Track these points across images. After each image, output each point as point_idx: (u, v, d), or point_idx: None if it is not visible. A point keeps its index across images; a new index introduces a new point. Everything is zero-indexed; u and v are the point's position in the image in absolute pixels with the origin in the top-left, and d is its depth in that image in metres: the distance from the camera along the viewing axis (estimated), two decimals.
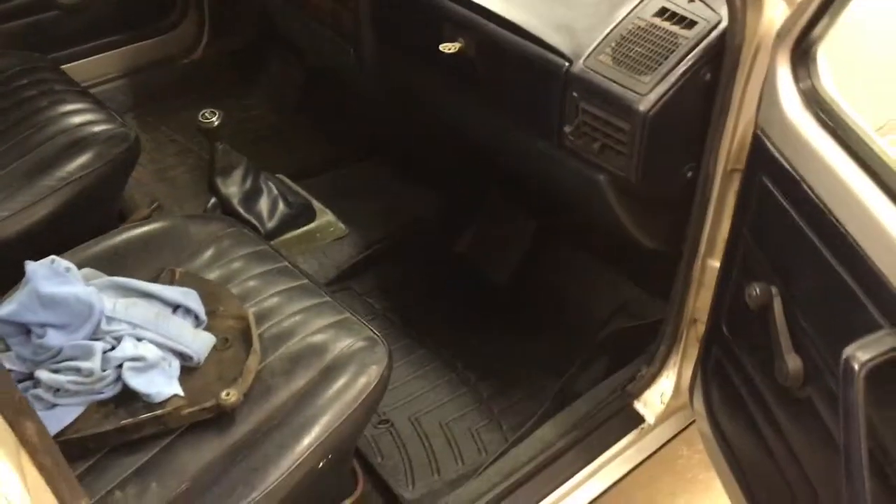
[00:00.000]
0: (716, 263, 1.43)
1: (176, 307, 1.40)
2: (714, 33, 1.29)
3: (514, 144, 1.60)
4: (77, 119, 1.84)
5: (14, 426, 0.73)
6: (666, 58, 1.30)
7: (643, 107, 1.29)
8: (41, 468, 0.77)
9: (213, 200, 1.97)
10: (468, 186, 2.16)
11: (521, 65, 1.44)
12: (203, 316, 1.41)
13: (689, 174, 1.40)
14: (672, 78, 1.29)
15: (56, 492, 0.80)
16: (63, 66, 2.22)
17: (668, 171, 1.40)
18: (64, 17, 2.17)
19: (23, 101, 1.88)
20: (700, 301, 1.51)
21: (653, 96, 1.29)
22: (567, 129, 1.40)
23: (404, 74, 1.76)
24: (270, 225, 1.94)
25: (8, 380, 0.72)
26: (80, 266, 1.42)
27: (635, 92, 1.30)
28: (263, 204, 1.94)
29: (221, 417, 1.29)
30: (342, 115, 2.35)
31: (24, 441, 0.75)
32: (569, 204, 1.81)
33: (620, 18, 1.37)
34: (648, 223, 1.53)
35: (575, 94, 1.36)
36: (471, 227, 2.12)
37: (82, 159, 1.75)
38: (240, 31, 2.55)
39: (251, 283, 1.51)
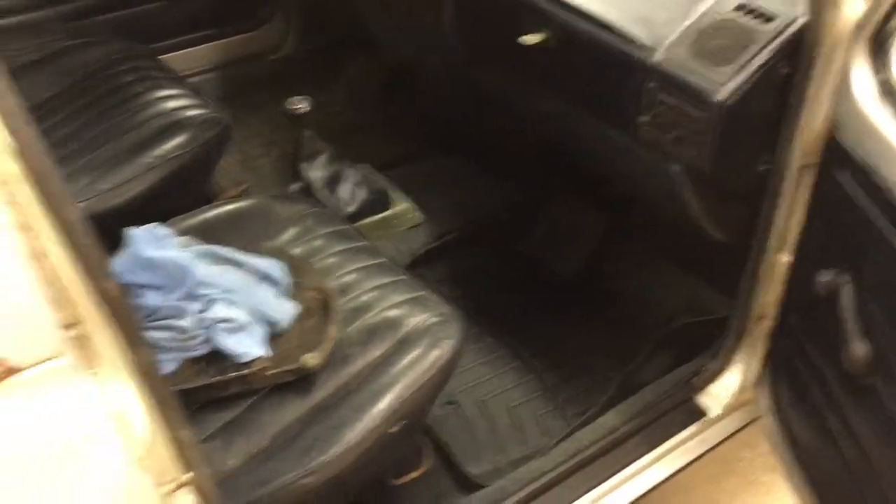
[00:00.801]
0: (785, 258, 1.45)
1: (264, 277, 1.48)
2: (792, 28, 1.32)
3: (590, 136, 1.65)
4: (173, 104, 1.94)
5: (133, 349, 0.81)
6: (744, 50, 1.33)
7: (720, 96, 1.32)
8: (155, 395, 0.85)
9: (296, 186, 2.06)
10: (540, 182, 2.21)
11: (600, 56, 1.48)
12: (288, 287, 1.49)
13: (763, 168, 1.42)
14: (749, 70, 1.32)
15: (167, 421, 0.88)
16: (160, 56, 2.37)
17: (742, 164, 1.42)
18: (163, 9, 2.29)
19: (123, 86, 2.00)
20: (768, 296, 1.52)
21: (730, 86, 1.32)
22: (643, 119, 1.44)
23: (485, 69, 1.82)
24: (350, 209, 2.02)
25: (129, 304, 0.79)
26: (176, 235, 1.51)
27: (713, 82, 1.33)
28: (345, 189, 2.02)
29: (302, 381, 1.36)
30: (422, 112, 2.42)
31: (140, 369, 0.83)
32: (640, 196, 1.84)
33: (700, 12, 1.40)
34: (720, 215, 1.55)
35: (652, 84, 1.40)
36: (541, 220, 2.17)
37: (178, 140, 1.85)
38: (325, 29, 2.64)
39: (332, 260, 1.59)
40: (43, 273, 0.73)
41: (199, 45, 2.52)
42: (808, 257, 1.36)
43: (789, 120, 1.33)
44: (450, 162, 2.36)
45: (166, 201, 1.83)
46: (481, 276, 2.11)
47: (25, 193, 0.71)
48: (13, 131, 0.69)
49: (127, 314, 0.80)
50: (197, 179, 1.97)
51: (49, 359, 0.73)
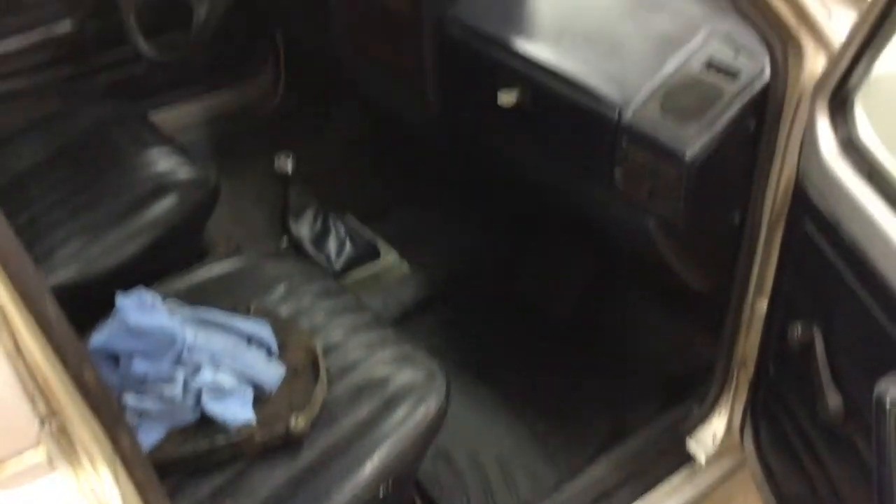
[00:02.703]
0: (763, 305, 1.48)
1: (250, 339, 1.51)
2: (757, 85, 1.36)
3: (569, 188, 1.68)
4: (163, 165, 1.97)
5: (112, 436, 0.83)
6: (711, 108, 1.37)
7: (689, 154, 1.36)
8: (135, 480, 0.87)
9: (285, 241, 2.09)
10: (528, 228, 2.24)
11: (575, 113, 1.52)
12: (275, 348, 1.51)
13: (736, 219, 1.45)
14: (717, 127, 1.36)
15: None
16: (151, 114, 2.41)
17: (716, 216, 1.46)
18: (151, 71, 2.33)
19: (114, 149, 2.03)
20: (749, 342, 1.55)
21: (699, 144, 1.36)
22: (617, 174, 1.48)
23: (466, 122, 1.86)
24: (338, 264, 2.05)
25: (108, 392, 0.82)
26: (164, 298, 1.54)
27: (682, 140, 1.37)
28: (332, 244, 2.05)
29: (290, 443, 1.38)
30: (408, 159, 2.46)
31: (120, 452, 0.85)
32: (621, 246, 1.87)
33: (669, 71, 1.45)
34: (697, 266, 1.58)
35: (625, 141, 1.44)
36: (530, 266, 2.20)
37: (168, 202, 1.88)
38: (312, 80, 2.69)
39: (319, 318, 1.61)
40: (21, 367, 0.76)
41: (190, 102, 2.57)
42: (782, 307, 1.39)
43: (759, 173, 1.37)
44: (435, 209, 2.39)
45: (157, 262, 1.85)
46: (470, 324, 2.13)
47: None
48: None
49: (107, 402, 0.82)
50: (187, 239, 2.00)
51: (28, 451, 0.75)
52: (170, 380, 1.38)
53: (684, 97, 1.40)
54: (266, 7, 2.23)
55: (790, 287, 1.35)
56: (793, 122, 1.30)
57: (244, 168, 2.57)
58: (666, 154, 1.38)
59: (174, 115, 2.54)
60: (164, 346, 1.41)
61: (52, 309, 0.79)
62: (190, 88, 2.55)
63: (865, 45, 1.11)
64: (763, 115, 1.33)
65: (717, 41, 1.45)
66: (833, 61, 1.19)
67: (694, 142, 1.36)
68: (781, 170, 1.35)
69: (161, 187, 1.92)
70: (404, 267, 2.17)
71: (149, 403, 1.36)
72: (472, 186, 2.35)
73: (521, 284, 2.18)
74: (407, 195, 2.44)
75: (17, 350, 0.75)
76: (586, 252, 2.13)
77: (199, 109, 2.60)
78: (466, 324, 2.13)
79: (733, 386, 1.63)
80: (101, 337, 1.42)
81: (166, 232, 1.86)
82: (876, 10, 1.06)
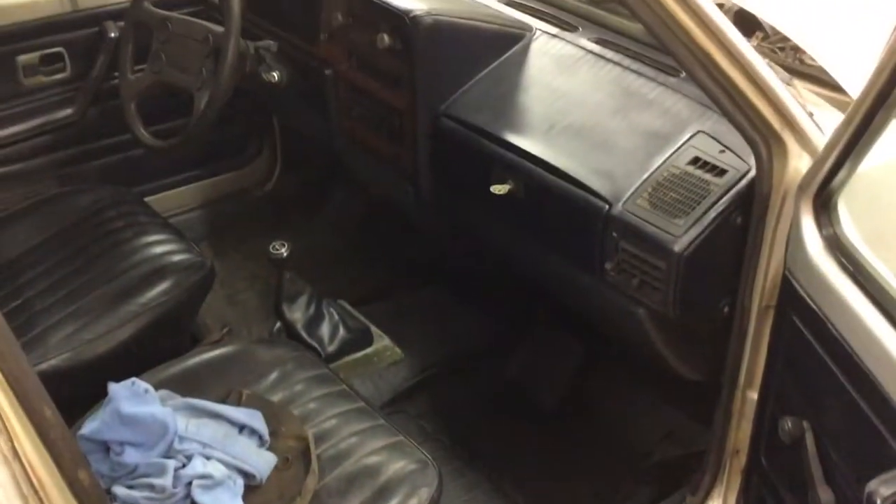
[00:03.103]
0: (755, 395, 1.49)
1: (242, 427, 1.50)
2: (743, 181, 1.40)
3: (560, 277, 1.71)
4: (158, 249, 1.99)
5: None
6: (699, 203, 1.40)
7: (678, 247, 1.38)
8: None
9: (278, 325, 2.10)
10: (519, 313, 2.26)
11: (565, 206, 1.56)
12: (266, 436, 1.51)
13: (726, 309, 1.47)
14: (705, 221, 1.39)
15: None
16: (147, 198, 2.41)
17: (705, 307, 1.48)
18: (149, 154, 2.37)
19: (111, 232, 2.05)
20: (741, 432, 1.55)
21: (686, 238, 1.39)
22: (608, 265, 1.50)
23: (459, 211, 1.89)
24: (331, 349, 2.06)
25: (102, 494, 0.82)
26: (157, 387, 1.54)
27: (670, 234, 1.40)
28: (325, 329, 2.07)
29: None
30: (401, 244, 2.49)
31: None
32: (612, 333, 1.89)
33: (657, 166, 1.49)
34: (687, 355, 1.60)
35: (615, 233, 1.47)
36: (521, 352, 2.21)
37: (162, 286, 1.89)
38: (308, 166, 2.74)
39: (312, 405, 1.61)
40: (17, 469, 0.76)
41: (185, 185, 2.60)
42: (772, 399, 1.40)
43: (747, 265, 1.39)
44: (427, 294, 2.41)
45: (150, 346, 1.86)
46: (462, 408, 2.13)
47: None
48: None
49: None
50: (181, 323, 2.00)
51: None
52: (161, 471, 1.37)
53: (672, 192, 1.44)
54: (265, 96, 2.28)
55: (780, 379, 1.37)
56: (779, 216, 1.33)
57: (238, 251, 2.60)
58: (655, 247, 1.41)
59: (170, 198, 2.57)
60: (156, 436, 1.41)
61: (49, 410, 0.79)
62: (186, 172, 2.59)
63: (849, 148, 1.14)
64: (749, 210, 1.37)
65: (703, 139, 1.49)
66: (817, 162, 1.23)
67: (682, 235, 1.39)
68: (769, 262, 1.37)
69: (156, 271, 1.93)
70: (396, 352, 2.18)
71: (138, 494, 1.35)
72: (463, 272, 2.38)
73: (511, 369, 2.19)
74: (399, 280, 2.46)
75: (14, 453, 0.75)
76: (577, 338, 2.14)
77: (194, 192, 2.63)
78: (458, 409, 2.12)
79: (726, 475, 1.62)
80: (92, 426, 1.42)
81: (160, 317, 1.86)
82: (859, 115, 1.10)
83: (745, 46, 1.22)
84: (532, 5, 1.97)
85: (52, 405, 0.80)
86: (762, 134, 1.29)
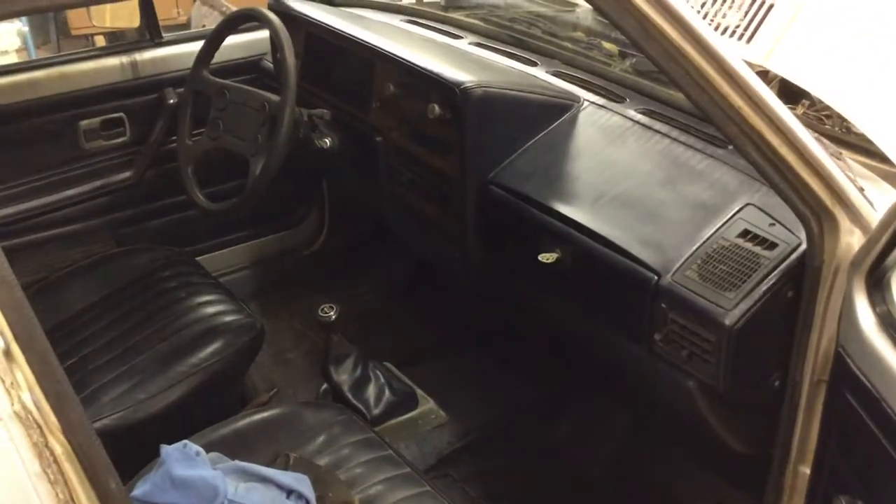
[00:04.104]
0: (807, 470, 1.46)
1: (290, 492, 1.51)
2: (794, 255, 1.40)
3: (607, 345, 1.70)
4: (210, 309, 2.03)
5: None
6: (749, 276, 1.40)
7: (728, 321, 1.38)
8: None
9: (324, 386, 2.12)
10: (562, 377, 2.25)
11: (613, 275, 1.56)
12: (314, 502, 1.51)
13: (777, 383, 1.46)
14: (756, 295, 1.39)
15: None
16: (200, 258, 2.47)
17: (756, 380, 1.46)
18: (202, 216, 2.44)
19: (165, 292, 2.10)
20: None
21: (737, 311, 1.38)
22: (657, 336, 1.50)
23: (506, 277, 1.91)
24: (376, 411, 2.07)
25: None
26: (207, 448, 1.56)
27: (721, 307, 1.40)
28: (371, 391, 2.08)
29: None
30: (446, 306, 2.51)
31: None
32: (659, 403, 1.87)
33: (706, 238, 1.49)
34: (738, 428, 1.58)
35: (664, 304, 1.47)
36: (566, 417, 2.20)
37: (213, 347, 1.93)
38: (355, 227, 2.79)
39: (358, 470, 1.62)
40: None
41: (236, 245, 2.66)
42: (825, 476, 1.37)
43: (798, 339, 1.38)
44: (472, 357, 2.42)
45: (201, 407, 1.89)
46: (506, 473, 2.11)
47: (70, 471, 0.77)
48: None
49: None
50: (230, 383, 2.04)
51: None
52: None
53: (722, 264, 1.44)
54: (317, 161, 2.34)
55: (833, 456, 1.34)
56: (830, 291, 1.32)
57: (285, 310, 2.64)
58: (706, 319, 1.41)
59: (221, 257, 2.63)
60: (207, 499, 1.42)
61: (114, 482, 0.82)
62: (237, 232, 2.65)
63: None
64: (801, 283, 1.36)
65: (753, 211, 1.50)
66: (870, 239, 1.22)
67: (733, 309, 1.39)
68: (821, 337, 1.36)
69: (208, 332, 1.97)
70: (441, 415, 2.18)
71: None
72: (508, 334, 2.38)
73: (557, 435, 2.18)
74: (444, 342, 2.47)
75: None
76: (623, 404, 2.12)
77: (244, 252, 2.69)
78: (502, 474, 2.11)
79: None
80: (144, 488, 1.44)
81: (211, 377, 1.90)
82: None
83: (794, 123, 1.23)
84: (579, 76, 2.00)
85: (117, 478, 0.82)
86: (813, 209, 1.29)
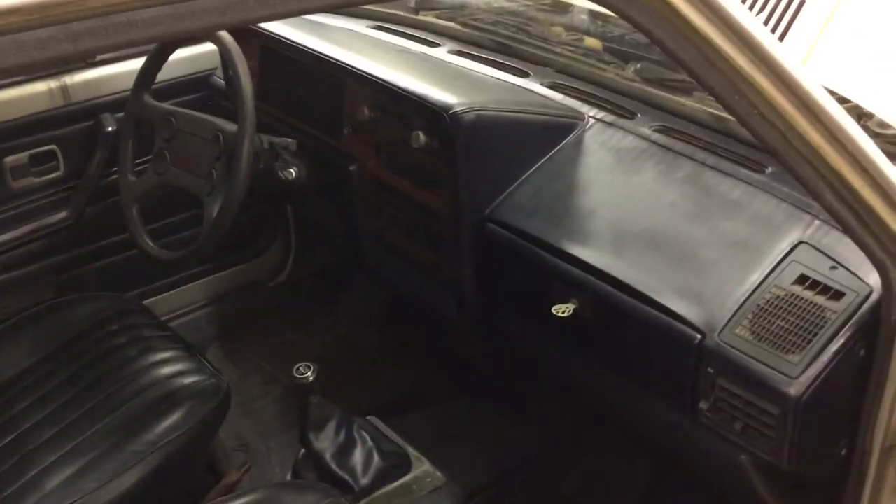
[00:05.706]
0: None
1: None
2: (866, 306, 1.18)
3: (638, 411, 1.48)
4: (167, 370, 1.78)
5: None
6: (815, 334, 1.18)
7: (794, 391, 1.16)
8: None
9: (302, 451, 1.87)
10: (572, 425, 2.02)
11: (645, 333, 1.34)
12: None
13: (844, 451, 1.25)
14: (824, 358, 1.17)
15: None
16: (150, 300, 2.24)
17: (821, 452, 1.25)
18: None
19: (113, 350, 1.84)
20: None
21: (804, 379, 1.17)
22: (703, 405, 1.28)
23: (512, 329, 1.67)
24: (365, 481, 1.82)
25: None
26: None
27: (783, 373, 1.18)
28: (357, 457, 1.83)
29: None
30: (432, 344, 2.27)
31: None
32: (701, 475, 1.64)
33: (755, 286, 1.27)
34: (793, 500, 1.37)
35: (710, 369, 1.25)
36: (579, 465, 1.97)
37: (172, 419, 1.67)
38: (324, 254, 2.54)
39: None
40: None
41: (193, 281, 2.39)
42: None
43: (870, 401, 1.18)
44: (467, 402, 2.18)
45: (161, 490, 1.64)
46: None
47: None
48: None
49: None
50: (195, 460, 1.78)
51: None
52: None
53: (779, 319, 1.22)
54: (282, 195, 2.08)
55: None
56: None
57: (251, 351, 2.38)
58: (764, 388, 1.19)
59: (174, 297, 2.37)
60: None
61: None
62: (191, 269, 2.38)
63: None
64: (874, 340, 1.15)
65: (808, 252, 1.27)
66: None
67: (800, 376, 1.17)
68: (895, 398, 1.16)
69: (165, 398, 1.72)
70: (437, 477, 1.94)
71: None
72: (510, 378, 2.14)
73: (569, 486, 1.95)
74: (432, 383, 2.23)
75: None
76: (642, 454, 1.91)
77: (201, 289, 2.43)
78: None
79: None
80: None
81: (171, 455, 1.64)
82: None
83: (881, 160, 1.02)
84: (579, 87, 1.76)
85: None
86: (892, 254, 1.09)
